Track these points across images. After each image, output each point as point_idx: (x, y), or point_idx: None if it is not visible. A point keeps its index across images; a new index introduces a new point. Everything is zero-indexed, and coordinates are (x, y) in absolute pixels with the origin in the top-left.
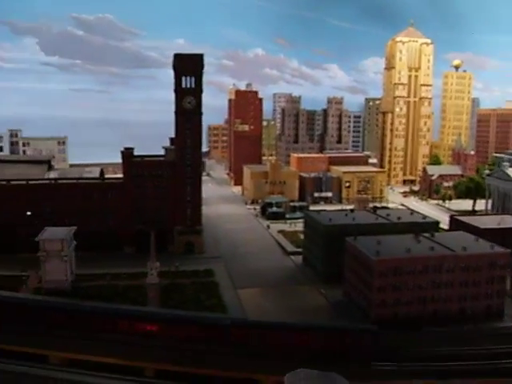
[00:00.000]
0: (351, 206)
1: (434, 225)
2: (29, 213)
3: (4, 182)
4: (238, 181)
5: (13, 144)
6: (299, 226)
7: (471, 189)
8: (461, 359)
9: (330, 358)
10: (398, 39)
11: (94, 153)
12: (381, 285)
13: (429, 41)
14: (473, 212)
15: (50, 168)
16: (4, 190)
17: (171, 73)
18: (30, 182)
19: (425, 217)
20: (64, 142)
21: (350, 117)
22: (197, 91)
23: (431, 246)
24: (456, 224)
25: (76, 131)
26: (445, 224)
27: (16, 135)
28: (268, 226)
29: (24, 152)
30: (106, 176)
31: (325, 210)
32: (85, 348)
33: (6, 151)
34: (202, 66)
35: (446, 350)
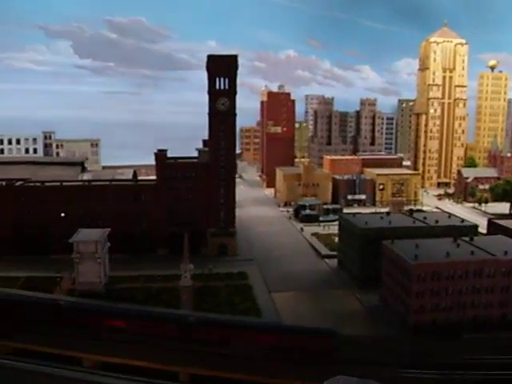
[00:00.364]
0: (385, 209)
1: (473, 228)
2: (63, 214)
3: (38, 184)
4: (271, 183)
5: (46, 146)
6: (333, 228)
7: (508, 191)
8: (502, 368)
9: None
10: (432, 39)
11: (127, 155)
12: (419, 290)
13: (463, 41)
14: (510, 215)
15: (84, 170)
16: (38, 192)
17: (203, 75)
18: (64, 184)
19: (463, 220)
20: (97, 144)
21: (383, 118)
22: (230, 92)
23: (471, 251)
24: (494, 228)
25: (109, 133)
26: (482, 228)
27: (50, 137)
28: (301, 229)
29: (57, 154)
30: (139, 178)
31: (360, 213)
32: (118, 351)
33: (40, 153)
34: (235, 67)
35: (487, 358)
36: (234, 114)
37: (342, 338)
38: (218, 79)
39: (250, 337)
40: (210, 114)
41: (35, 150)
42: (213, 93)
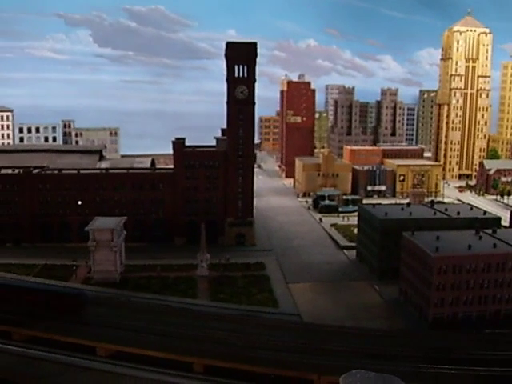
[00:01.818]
0: (405, 200)
1: (496, 221)
2: (80, 202)
3: (56, 172)
4: (290, 173)
5: (66, 134)
6: (352, 219)
7: None
8: None
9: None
10: (455, 29)
11: (146, 144)
12: (440, 283)
13: (487, 30)
14: None
15: (102, 158)
16: (56, 180)
17: (222, 64)
18: (81, 172)
19: (485, 212)
20: (116, 133)
21: (404, 109)
22: (249, 80)
23: (494, 243)
24: None
25: (128, 122)
26: (504, 221)
27: (69, 126)
28: (320, 220)
29: (77, 142)
30: (158, 167)
31: (380, 204)
32: (132, 341)
33: (59, 141)
34: (255, 55)
35: (509, 354)
36: (253, 103)
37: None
38: (236, 67)
39: (19, 295)
40: (229, 103)
41: (54, 139)
42: (231, 80)
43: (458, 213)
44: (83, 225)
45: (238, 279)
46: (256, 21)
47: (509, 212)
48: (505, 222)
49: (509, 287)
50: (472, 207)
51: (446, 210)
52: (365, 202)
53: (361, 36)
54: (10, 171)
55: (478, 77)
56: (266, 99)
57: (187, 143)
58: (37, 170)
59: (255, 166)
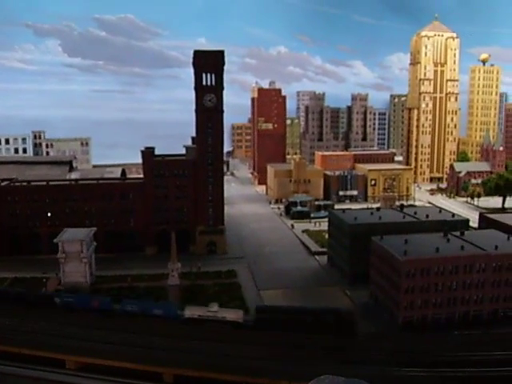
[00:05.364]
0: (377, 205)
1: (464, 223)
2: (49, 214)
3: (24, 184)
4: (262, 180)
5: (36, 145)
6: (324, 225)
7: (500, 186)
8: (493, 365)
9: None
10: (423, 34)
11: (118, 153)
12: (409, 286)
13: (454, 35)
14: (502, 209)
15: (72, 169)
16: (25, 191)
17: (193, 72)
18: (51, 183)
19: (454, 215)
20: (87, 143)
21: (375, 114)
22: (218, 88)
23: (461, 245)
24: (486, 222)
25: (100, 132)
26: (474, 222)
27: (39, 137)
28: (292, 226)
29: (47, 153)
30: (129, 176)
31: (350, 209)
32: (101, 352)
33: (30, 153)
34: (222, 63)
35: (478, 355)
36: (222, 111)
37: None
38: (204, 75)
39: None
40: (197, 111)
41: (24, 150)
42: (199, 89)
43: (427, 216)
44: (53, 236)
45: (209, 287)
46: (226, 28)
47: (478, 214)
48: (475, 224)
49: (477, 289)
50: (441, 210)
51: (415, 213)
52: (337, 207)
53: (331, 42)
54: None
55: (447, 81)
56: (238, 106)
57: (158, 152)
58: (5, 182)
59: (228, 173)
